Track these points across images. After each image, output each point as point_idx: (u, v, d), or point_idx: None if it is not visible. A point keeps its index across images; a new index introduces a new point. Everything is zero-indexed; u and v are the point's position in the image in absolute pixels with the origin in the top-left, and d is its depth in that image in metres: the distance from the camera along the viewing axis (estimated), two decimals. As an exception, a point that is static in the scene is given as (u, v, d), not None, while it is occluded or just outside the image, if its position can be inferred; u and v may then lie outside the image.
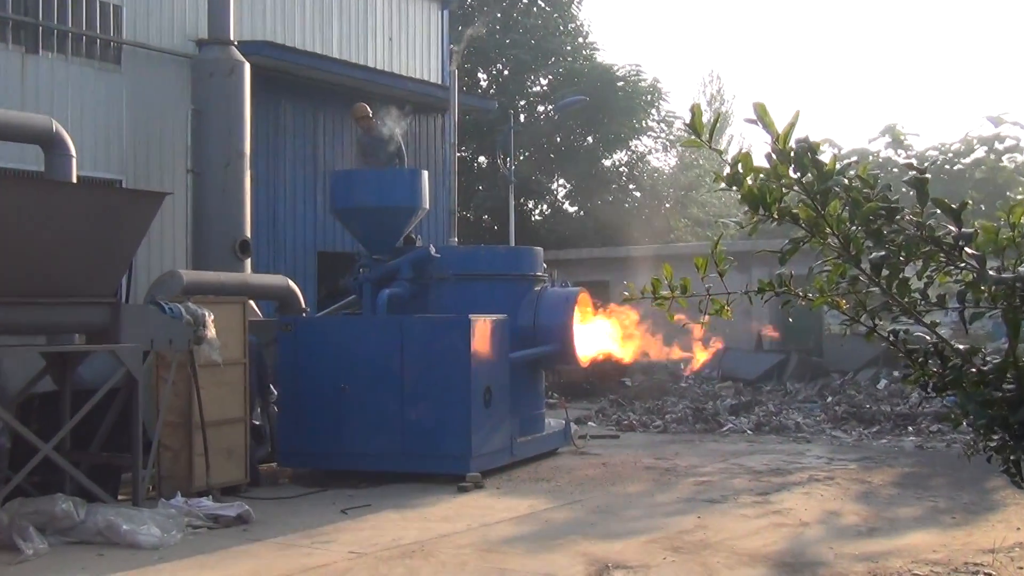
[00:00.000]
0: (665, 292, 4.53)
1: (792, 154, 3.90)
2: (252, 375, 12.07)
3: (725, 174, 3.97)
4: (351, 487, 12.05)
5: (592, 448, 15.31)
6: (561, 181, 37.45)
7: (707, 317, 4.58)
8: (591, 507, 10.79)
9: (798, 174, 3.92)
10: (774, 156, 3.90)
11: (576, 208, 37.36)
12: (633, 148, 37.57)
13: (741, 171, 3.91)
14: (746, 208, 3.98)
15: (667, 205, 38.12)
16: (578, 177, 35.54)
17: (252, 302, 14.18)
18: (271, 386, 13.06)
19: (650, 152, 38.65)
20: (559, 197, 37.84)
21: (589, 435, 16.33)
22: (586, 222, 34.67)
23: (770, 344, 25.10)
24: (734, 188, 3.94)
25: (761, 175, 3.92)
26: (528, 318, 14.21)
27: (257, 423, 12.77)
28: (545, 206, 38.01)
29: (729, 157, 4.09)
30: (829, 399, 20.06)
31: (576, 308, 14.31)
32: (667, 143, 38.31)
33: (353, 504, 11.04)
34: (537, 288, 14.55)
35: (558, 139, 35.93)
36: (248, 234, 15.71)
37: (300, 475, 13.01)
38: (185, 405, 11.21)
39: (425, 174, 14.67)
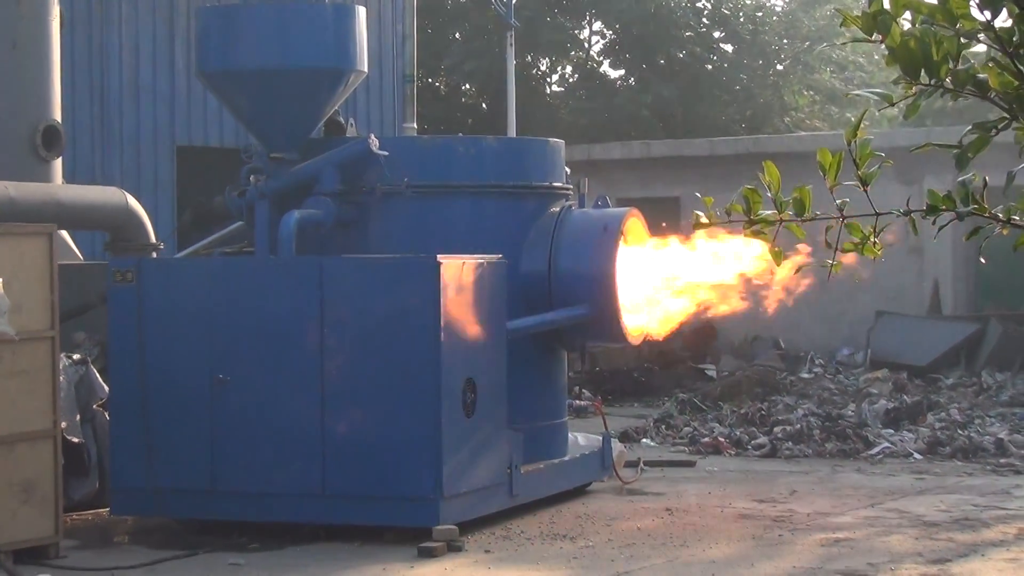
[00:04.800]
0: (768, 213, 4.56)
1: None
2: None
3: (860, 13, 4.00)
4: (236, 551, 12.11)
5: (649, 483, 15.39)
6: (597, 26, 37.31)
7: (840, 255, 4.62)
8: (646, 584, 10.90)
9: (987, 13, 3.95)
10: (945, -19, 3.93)
11: (622, 72, 37.24)
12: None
13: (888, 8, 3.93)
14: (898, 73, 4.00)
15: (779, 67, 38.00)
16: (626, 19, 35.39)
17: (65, 232, 14.16)
18: (99, 379, 13.14)
19: (751, -25, 38.53)
20: (593, 54, 37.72)
21: (643, 461, 16.41)
22: (640, 95, 34.59)
23: (956, 307, 25.13)
24: (877, 39, 3.97)
25: (923, 15, 3.94)
26: (540, 261, 14.22)
27: (76, 441, 12.84)
28: (570, 69, 37.88)
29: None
30: (1055, 400, 20.17)
31: (622, 243, 14.33)
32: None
33: (239, 579, 11.15)
34: (556, 209, 14.56)
35: (592, -48, 35.85)
36: (58, 116, 15.70)
37: (149, 528, 13.07)
38: (-49, 410, 11.27)
39: (362, 12, 14.64)
